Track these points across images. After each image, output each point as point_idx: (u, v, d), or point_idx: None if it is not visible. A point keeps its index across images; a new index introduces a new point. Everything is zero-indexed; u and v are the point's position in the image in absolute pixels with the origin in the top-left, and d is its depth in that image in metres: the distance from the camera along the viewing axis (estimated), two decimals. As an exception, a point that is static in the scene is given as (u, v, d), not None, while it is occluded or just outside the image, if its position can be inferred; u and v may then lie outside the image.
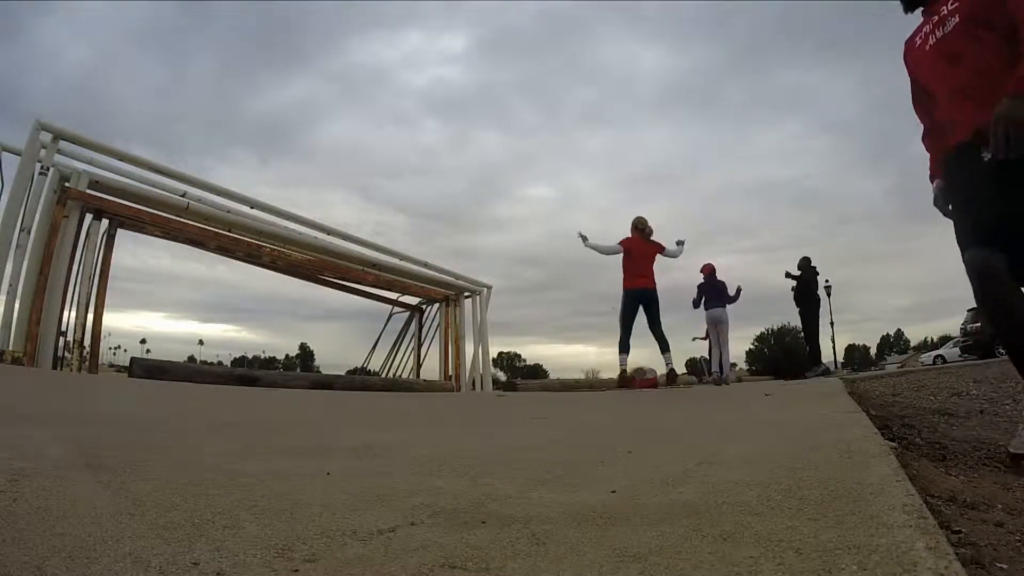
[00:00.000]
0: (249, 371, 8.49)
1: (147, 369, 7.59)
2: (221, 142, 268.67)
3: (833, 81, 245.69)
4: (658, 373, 12.05)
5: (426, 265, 12.69)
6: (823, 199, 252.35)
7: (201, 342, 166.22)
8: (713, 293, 10.52)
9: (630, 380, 11.98)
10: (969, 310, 22.72)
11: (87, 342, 9.28)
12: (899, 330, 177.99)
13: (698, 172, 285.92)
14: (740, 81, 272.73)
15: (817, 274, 12.00)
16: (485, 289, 13.74)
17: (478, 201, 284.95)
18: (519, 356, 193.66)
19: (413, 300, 14.05)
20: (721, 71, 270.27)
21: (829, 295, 35.65)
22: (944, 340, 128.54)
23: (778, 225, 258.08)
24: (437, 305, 13.75)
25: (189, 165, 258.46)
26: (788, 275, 11.82)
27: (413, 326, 14.71)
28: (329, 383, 8.73)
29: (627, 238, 8.26)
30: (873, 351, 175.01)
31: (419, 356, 14.13)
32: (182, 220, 9.80)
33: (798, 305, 12.02)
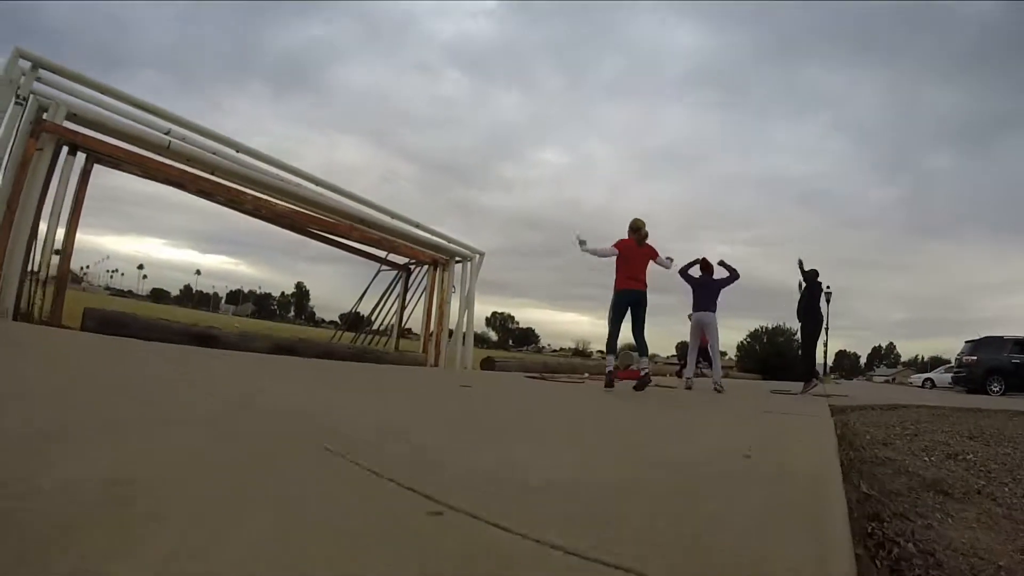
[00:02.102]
0: (208, 330, 8.02)
1: (101, 322, 7.14)
2: (237, 73, 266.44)
3: (860, 86, 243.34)
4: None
5: (417, 226, 12.22)
6: (831, 200, 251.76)
7: (198, 272, 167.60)
8: (706, 294, 9.92)
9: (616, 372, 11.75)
10: (967, 341, 22.40)
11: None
12: (891, 343, 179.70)
13: (713, 156, 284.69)
14: (769, 71, 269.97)
15: (823, 290, 11.57)
16: (477, 256, 13.25)
17: (490, 159, 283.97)
18: (512, 318, 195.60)
19: (401, 260, 13.60)
20: (752, 58, 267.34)
21: (828, 301, 35.30)
22: (935, 361, 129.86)
23: (783, 220, 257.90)
24: (425, 267, 13.31)
25: (204, 93, 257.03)
26: (800, 284, 11.41)
27: (399, 287, 14.30)
28: (291, 347, 8.31)
29: (622, 240, 7.97)
30: (863, 360, 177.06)
31: (401, 319, 13.70)
32: (162, 159, 9.31)
33: (800, 318, 11.63)
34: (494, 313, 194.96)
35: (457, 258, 13.01)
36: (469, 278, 13.10)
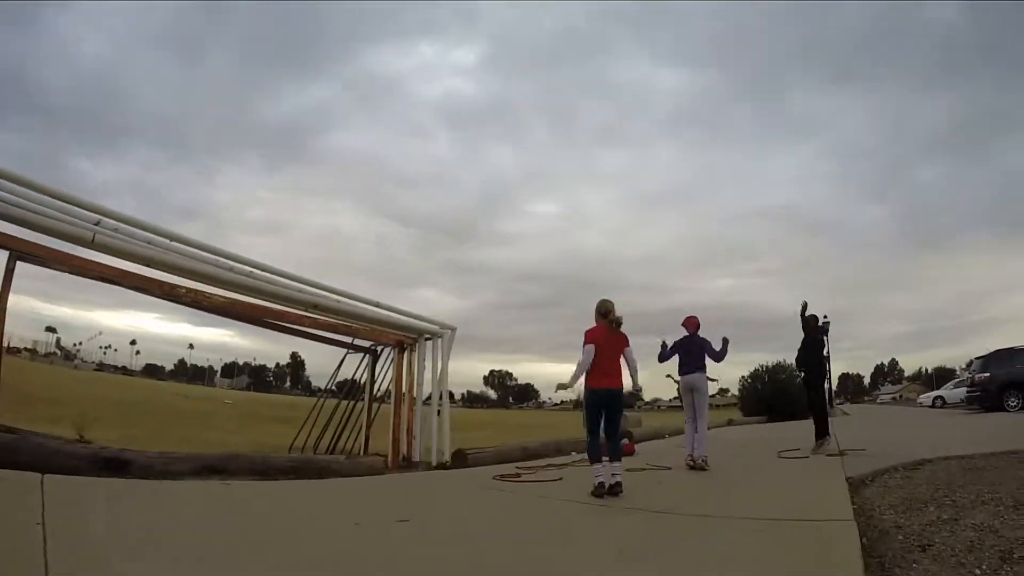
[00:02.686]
0: (120, 453, 6.88)
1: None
2: (230, 145, 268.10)
3: (845, 110, 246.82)
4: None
5: (377, 305, 11.22)
6: (827, 225, 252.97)
7: (191, 346, 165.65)
8: (693, 353, 8.88)
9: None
10: (977, 358, 21.49)
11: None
12: (894, 359, 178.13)
13: (708, 194, 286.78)
14: (754, 104, 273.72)
15: (825, 334, 10.67)
16: (448, 332, 12.23)
17: (484, 215, 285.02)
18: (510, 375, 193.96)
19: (366, 343, 12.61)
20: (736, 93, 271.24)
21: (827, 332, 33.95)
22: (940, 373, 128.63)
23: (784, 249, 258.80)
24: (391, 350, 12.30)
25: (197, 166, 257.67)
26: (806, 331, 10.60)
27: (366, 374, 13.29)
28: (220, 467, 7.24)
29: (592, 329, 6.82)
30: (867, 380, 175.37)
31: (369, 412, 12.56)
32: (87, 256, 8.38)
33: (800, 367, 10.91)
34: (492, 371, 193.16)
35: (427, 336, 12.02)
36: (440, 357, 12.07)
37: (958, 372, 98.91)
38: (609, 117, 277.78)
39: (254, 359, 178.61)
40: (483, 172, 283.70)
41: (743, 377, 35.24)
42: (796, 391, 32.17)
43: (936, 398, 37.75)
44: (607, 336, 6.69)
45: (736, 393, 43.12)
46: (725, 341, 8.91)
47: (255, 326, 11.29)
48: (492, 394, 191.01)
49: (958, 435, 11.69)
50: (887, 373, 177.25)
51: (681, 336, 9.01)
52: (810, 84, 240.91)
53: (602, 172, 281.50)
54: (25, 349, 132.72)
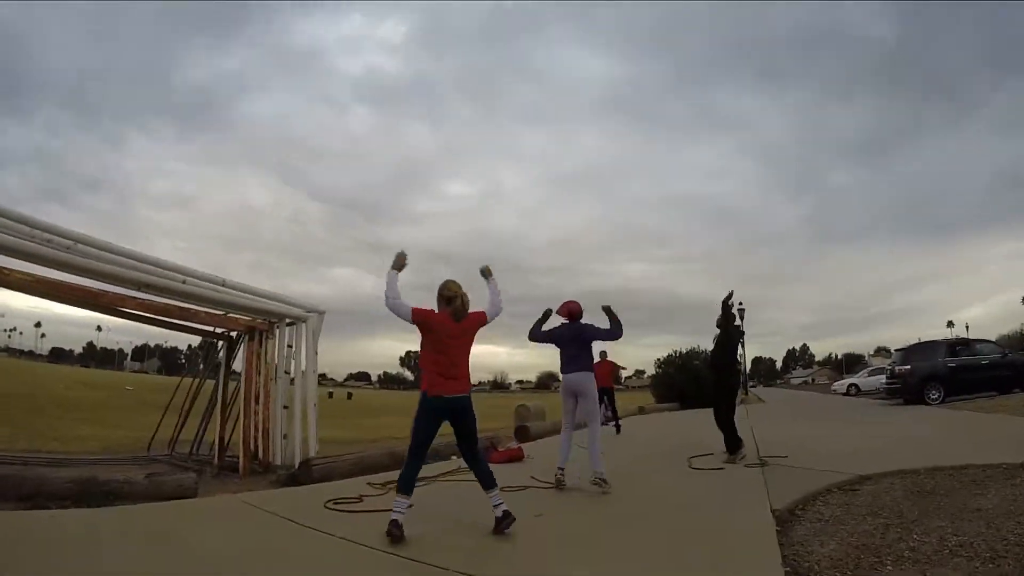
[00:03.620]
0: None
1: None
2: (142, 109, 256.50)
3: (768, 109, 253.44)
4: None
5: (223, 284, 9.36)
6: (741, 218, 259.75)
7: (99, 328, 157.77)
8: (575, 345, 7.00)
9: (489, 449, 9.12)
10: (897, 350, 21.24)
11: None
12: (805, 344, 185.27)
13: (627, 179, 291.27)
14: (680, 97, 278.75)
15: (741, 334, 9.37)
16: (314, 315, 10.41)
17: (399, 193, 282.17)
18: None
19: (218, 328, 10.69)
20: (664, 85, 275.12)
21: (743, 318, 33.61)
22: (851, 359, 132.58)
23: (696, 238, 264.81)
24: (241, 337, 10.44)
25: (104, 131, 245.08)
26: (720, 324, 9.09)
27: (214, 362, 11.44)
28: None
29: (428, 311, 4.99)
30: (779, 363, 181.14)
31: (224, 408, 10.59)
32: None
33: (715, 369, 9.48)
34: (408, 352, 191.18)
35: (288, 320, 10.19)
36: (305, 345, 10.27)
37: (867, 359, 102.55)
38: (535, 99, 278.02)
39: (166, 341, 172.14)
40: (399, 150, 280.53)
41: (657, 360, 34.35)
42: (709, 377, 31.57)
43: (850, 385, 37.93)
44: (449, 325, 4.93)
45: (650, 375, 42.33)
46: (607, 309, 6.93)
47: (70, 306, 9.22)
48: (409, 375, 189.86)
49: (889, 436, 10.60)
50: (799, 357, 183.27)
51: (559, 324, 7.20)
52: (738, 82, 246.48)
53: (521, 152, 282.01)
54: None
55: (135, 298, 8.65)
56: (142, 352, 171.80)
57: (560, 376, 7.20)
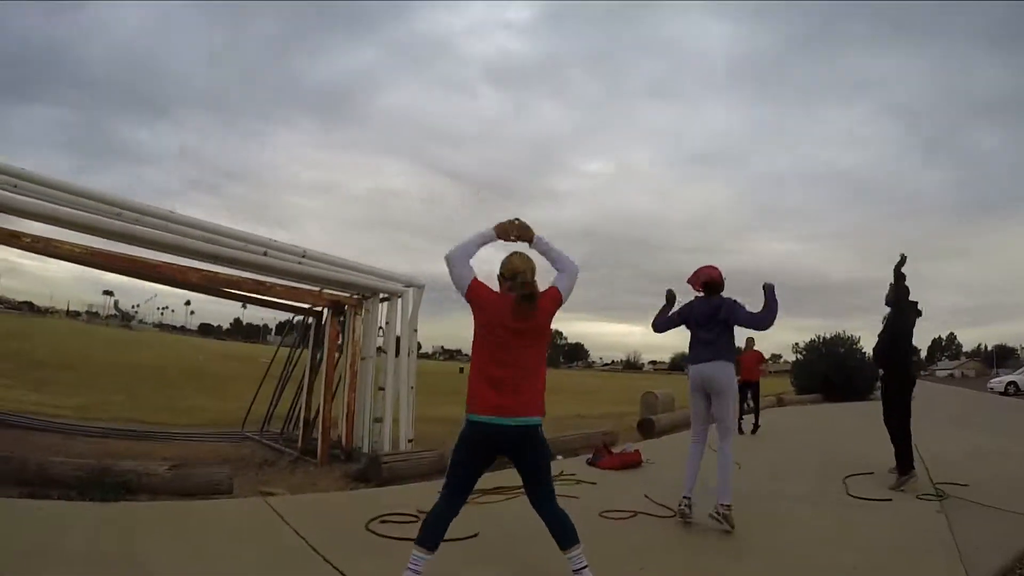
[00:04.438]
0: None
1: None
2: (281, 109, 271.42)
3: (904, 67, 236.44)
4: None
5: (304, 255, 8.28)
6: (884, 189, 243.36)
7: (244, 305, 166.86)
8: (709, 329, 5.20)
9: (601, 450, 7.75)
10: None
11: None
12: (952, 334, 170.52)
13: (761, 152, 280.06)
14: (809, 59, 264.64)
15: (919, 313, 7.47)
16: (411, 289, 9.32)
17: (534, 173, 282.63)
18: (560, 333, 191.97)
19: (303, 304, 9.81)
20: (791, 49, 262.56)
21: (920, 312, 29.41)
22: (1001, 351, 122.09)
23: (837, 213, 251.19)
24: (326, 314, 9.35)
25: (251, 132, 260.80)
26: (890, 298, 7.21)
27: (307, 340, 10.64)
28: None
29: (486, 289, 3.50)
30: (923, 353, 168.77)
31: (310, 391, 9.74)
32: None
33: (880, 360, 7.43)
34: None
35: (383, 295, 9.14)
36: (400, 321, 9.22)
37: (1019, 353, 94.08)
38: (662, 73, 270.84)
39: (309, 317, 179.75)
40: (532, 130, 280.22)
41: (795, 345, 31.84)
42: (855, 365, 28.86)
43: (1009, 383, 34.49)
44: (505, 312, 3.36)
45: (788, 360, 39.52)
46: (769, 289, 5.09)
47: (132, 277, 8.55)
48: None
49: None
50: (945, 347, 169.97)
51: (690, 300, 5.49)
52: (866, 41, 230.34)
53: (651, 129, 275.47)
54: (87, 312, 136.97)
55: (199, 270, 7.80)
56: (283, 327, 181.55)
57: (687, 366, 5.49)
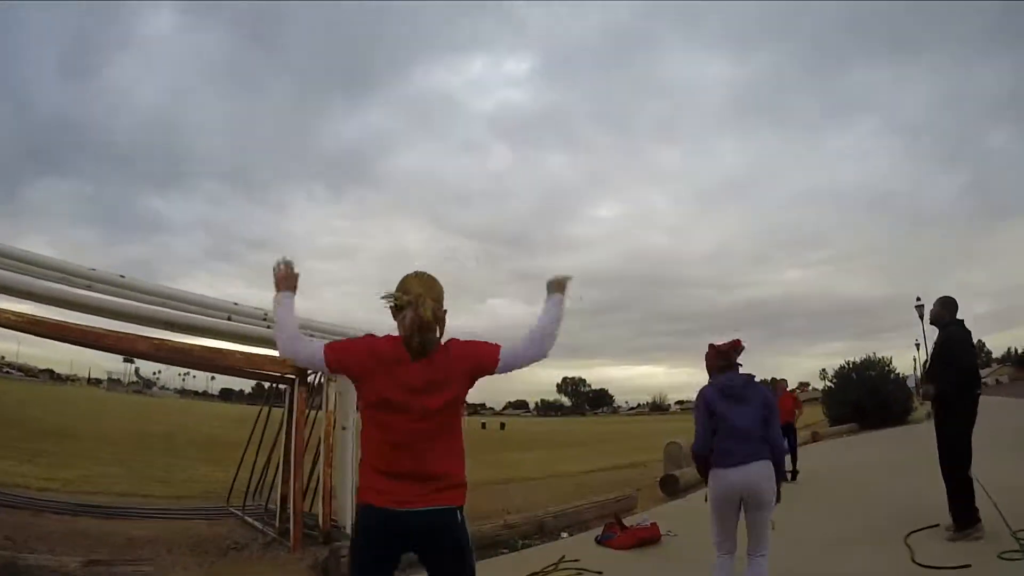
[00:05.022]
0: None
1: None
2: (294, 175, 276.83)
3: (902, 80, 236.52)
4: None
5: (266, 318, 7.26)
6: (896, 200, 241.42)
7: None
8: (746, 423, 3.90)
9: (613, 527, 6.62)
10: None
11: None
12: (980, 341, 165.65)
13: (770, 180, 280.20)
14: (807, 83, 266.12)
15: (968, 334, 6.00)
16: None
17: (546, 222, 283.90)
18: (583, 381, 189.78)
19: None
20: (788, 74, 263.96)
21: (920, 316, 27.89)
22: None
23: (853, 231, 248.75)
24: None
25: (264, 199, 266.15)
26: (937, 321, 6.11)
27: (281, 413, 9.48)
28: None
29: (345, 342, 2.55)
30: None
31: (286, 463, 8.51)
32: None
33: (931, 390, 5.95)
34: (564, 378, 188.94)
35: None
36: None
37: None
38: (665, 114, 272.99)
39: (335, 379, 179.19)
40: (541, 180, 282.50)
41: (822, 371, 30.57)
42: (889, 389, 27.50)
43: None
44: (398, 365, 2.35)
45: (817, 387, 38.00)
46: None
47: (78, 346, 7.69)
48: (566, 401, 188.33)
49: None
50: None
51: (711, 381, 4.15)
52: (864, 57, 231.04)
53: (660, 170, 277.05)
54: (108, 380, 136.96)
55: (148, 338, 6.89)
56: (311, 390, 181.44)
57: (711, 472, 4.04)
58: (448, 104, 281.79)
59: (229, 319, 7.17)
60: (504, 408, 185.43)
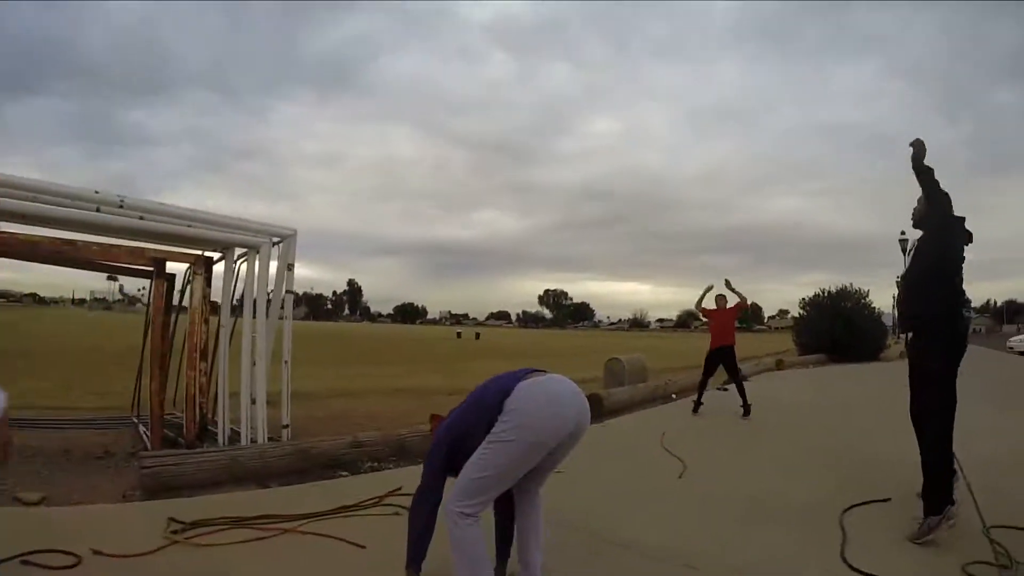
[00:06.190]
0: None
1: None
2: (279, 82, 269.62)
3: (913, 23, 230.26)
4: None
5: (123, 205, 6.15)
6: (895, 145, 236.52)
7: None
8: None
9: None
10: None
11: None
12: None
13: (771, 109, 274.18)
14: (817, 16, 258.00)
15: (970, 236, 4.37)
16: (265, 243, 7.19)
17: (543, 135, 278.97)
18: (565, 294, 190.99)
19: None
20: (798, 4, 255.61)
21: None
22: (1013, 307, 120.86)
23: (848, 169, 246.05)
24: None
25: (250, 106, 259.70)
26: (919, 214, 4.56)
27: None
28: None
29: None
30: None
31: (165, 361, 7.45)
32: None
33: (905, 311, 4.51)
34: (547, 291, 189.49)
35: (240, 249, 7.01)
36: (257, 281, 7.17)
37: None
38: (668, 32, 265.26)
39: (311, 288, 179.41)
40: (538, 92, 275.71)
41: (802, 300, 29.44)
42: (864, 324, 26.53)
43: (1029, 350, 31.03)
44: None
45: (794, 315, 37.14)
46: None
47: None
48: (547, 314, 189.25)
49: None
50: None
51: None
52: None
53: (661, 87, 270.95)
54: (92, 299, 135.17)
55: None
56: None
57: None
58: (443, 11, 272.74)
59: (98, 211, 6.18)
60: (487, 318, 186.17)
